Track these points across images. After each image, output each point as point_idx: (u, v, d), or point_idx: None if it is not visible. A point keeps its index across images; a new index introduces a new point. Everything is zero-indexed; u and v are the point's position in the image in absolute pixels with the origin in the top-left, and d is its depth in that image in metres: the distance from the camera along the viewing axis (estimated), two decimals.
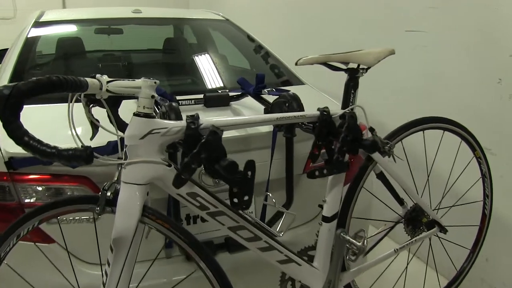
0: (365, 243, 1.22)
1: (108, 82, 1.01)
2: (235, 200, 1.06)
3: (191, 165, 0.96)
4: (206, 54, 2.47)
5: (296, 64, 1.25)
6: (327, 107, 1.24)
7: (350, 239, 1.25)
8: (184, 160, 1.03)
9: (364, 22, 2.95)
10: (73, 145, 0.93)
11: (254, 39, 2.55)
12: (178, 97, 1.69)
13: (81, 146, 0.87)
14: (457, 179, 1.75)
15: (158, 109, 1.37)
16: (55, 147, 0.85)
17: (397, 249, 1.49)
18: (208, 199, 1.12)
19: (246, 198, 1.04)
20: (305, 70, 2.43)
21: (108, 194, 1.06)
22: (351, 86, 1.27)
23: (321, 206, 1.36)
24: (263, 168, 1.60)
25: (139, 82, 1.02)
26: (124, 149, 1.03)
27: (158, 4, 2.86)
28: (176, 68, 2.37)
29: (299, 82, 2.23)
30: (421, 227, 1.57)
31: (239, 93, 1.81)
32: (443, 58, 2.40)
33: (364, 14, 2.94)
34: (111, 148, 1.31)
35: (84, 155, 0.85)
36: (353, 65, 1.28)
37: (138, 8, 2.56)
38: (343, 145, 1.13)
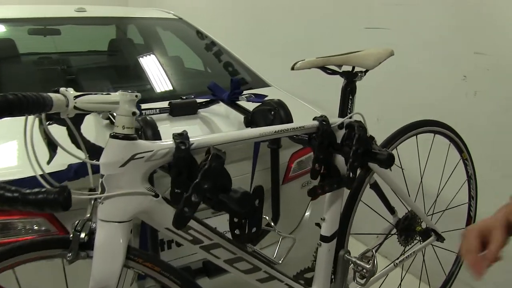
0: (375, 264, 1.10)
1: (76, 97, 0.81)
2: (237, 231, 0.90)
3: (192, 199, 0.79)
4: (162, 57, 2.26)
5: (292, 68, 1.10)
6: (325, 116, 1.10)
7: (357, 261, 1.13)
8: (175, 190, 0.86)
9: (321, 19, 2.86)
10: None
11: (213, 40, 2.38)
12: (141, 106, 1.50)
13: (56, 187, 0.67)
14: (446, 182, 1.69)
15: None
16: (17, 190, 0.65)
17: (396, 263, 1.39)
18: (202, 231, 0.94)
19: (253, 230, 0.88)
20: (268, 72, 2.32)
21: (82, 235, 0.86)
22: (349, 92, 1.14)
23: (318, 225, 1.23)
24: (244, 181, 1.45)
25: (116, 96, 0.83)
26: (100, 180, 0.84)
27: (96, 2, 2.59)
28: (130, 73, 2.14)
29: (264, 84, 2.09)
30: (415, 237, 1.48)
31: (208, 100, 1.64)
32: (407, 56, 2.35)
33: (321, 11, 2.85)
34: (72, 173, 1.10)
35: (61, 198, 0.65)
36: (348, 68, 1.16)
37: (82, 6, 2.29)
38: (355, 160, 0.99)
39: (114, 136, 0.83)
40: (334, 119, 1.12)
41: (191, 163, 0.88)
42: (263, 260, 1.07)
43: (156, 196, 0.88)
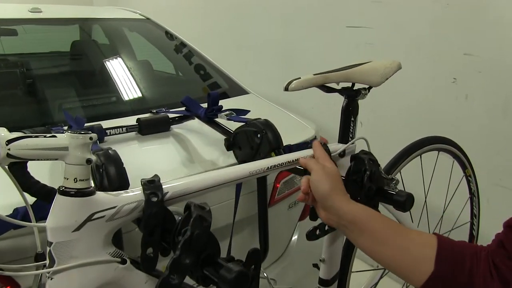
0: None
1: (8, 142, 0.61)
2: None
3: (171, 283, 0.60)
4: (129, 61, 2.04)
5: (286, 89, 0.92)
6: (325, 144, 0.93)
7: None
8: (147, 253, 0.67)
9: (299, 17, 2.68)
10: None
11: (183, 41, 2.17)
12: (103, 124, 1.30)
13: None
14: (449, 202, 1.55)
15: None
16: None
17: None
18: None
19: None
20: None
21: None
22: (350, 112, 0.97)
23: (316, 266, 1.06)
24: (226, 209, 1.27)
25: (63, 139, 0.63)
26: (48, 249, 0.64)
27: (60, 1, 2.33)
28: (95, 79, 1.92)
29: (243, 91, 1.91)
30: None
31: (181, 115, 1.44)
32: (392, 56, 2.21)
33: (300, 9, 2.68)
34: (19, 219, 0.89)
35: None
36: (347, 83, 0.99)
37: (37, 6, 2.05)
38: (367, 203, 0.83)
39: (64, 192, 0.63)
40: (335, 146, 0.95)
41: (166, 217, 0.69)
42: None
43: (123, 262, 0.69)
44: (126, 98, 1.72)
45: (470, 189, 1.53)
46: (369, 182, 0.82)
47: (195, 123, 1.46)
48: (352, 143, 0.95)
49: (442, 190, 1.55)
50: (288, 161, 0.85)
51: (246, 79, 2.00)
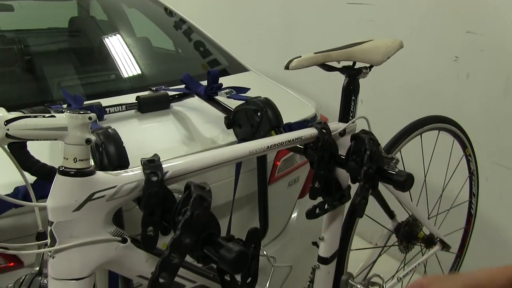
0: None
1: (7, 122, 0.61)
2: (227, 277, 0.73)
3: (171, 261, 0.61)
4: (128, 38, 2.01)
5: (287, 68, 0.91)
6: (325, 123, 0.92)
7: None
8: (147, 233, 0.68)
9: None
10: None
11: (182, 18, 2.14)
12: (103, 102, 1.29)
13: None
14: (448, 181, 1.55)
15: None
16: None
17: (400, 278, 1.25)
18: (184, 274, 0.77)
19: (249, 281, 0.70)
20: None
21: None
22: (351, 91, 0.97)
23: (315, 244, 1.07)
24: (225, 187, 1.27)
25: (62, 119, 0.63)
26: (49, 228, 0.65)
27: None
28: (93, 57, 1.89)
29: (242, 69, 1.89)
30: (417, 243, 1.34)
31: (181, 93, 1.43)
32: (393, 34, 2.19)
33: None
34: (20, 198, 0.89)
35: None
36: (348, 62, 0.98)
37: None
38: (367, 182, 0.83)
39: (64, 172, 0.63)
40: (335, 125, 0.95)
41: (166, 197, 0.70)
42: None
43: (124, 241, 0.70)
44: (125, 75, 1.71)
45: (469, 168, 1.53)
46: (369, 161, 0.82)
47: (195, 101, 1.45)
48: (353, 122, 0.95)
49: (442, 170, 1.55)
50: (289, 140, 0.85)
51: (246, 56, 1.98)
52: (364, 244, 1.40)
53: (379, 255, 1.28)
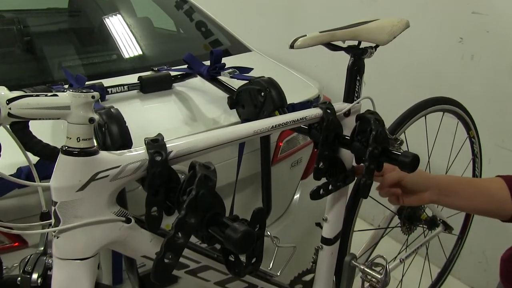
0: (387, 273, 0.95)
1: (9, 101, 0.60)
2: (232, 257, 0.73)
3: (175, 241, 0.60)
4: (129, 18, 1.99)
5: (292, 47, 0.90)
6: (329, 103, 0.91)
7: (367, 269, 0.98)
8: (152, 213, 0.67)
9: None
10: None
11: None
12: (104, 82, 1.28)
13: None
14: (452, 163, 1.54)
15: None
16: None
17: (402, 259, 1.25)
18: (187, 255, 0.77)
19: (254, 261, 0.70)
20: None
21: (34, 277, 0.67)
22: (356, 71, 0.95)
23: (319, 225, 1.07)
24: (228, 168, 1.27)
25: (65, 98, 0.62)
26: (53, 208, 0.64)
27: None
28: (94, 38, 1.87)
29: (244, 48, 1.87)
30: (420, 225, 1.34)
31: (183, 72, 1.42)
32: (397, 14, 2.15)
33: None
34: (23, 179, 0.89)
35: None
36: (353, 42, 0.96)
37: None
38: (372, 163, 0.82)
39: (67, 151, 0.63)
40: (340, 105, 0.93)
41: (170, 177, 0.69)
42: (259, 275, 0.91)
43: (128, 221, 0.69)
44: (126, 55, 1.69)
45: (473, 150, 1.52)
46: (375, 142, 0.81)
47: (198, 81, 1.44)
48: (358, 103, 0.93)
49: (446, 151, 1.54)
50: (293, 120, 0.84)
51: (250, 37, 1.96)
52: (366, 226, 1.40)
53: (382, 236, 1.28)
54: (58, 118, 0.63)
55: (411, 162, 0.78)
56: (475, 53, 1.94)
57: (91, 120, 0.63)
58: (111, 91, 1.30)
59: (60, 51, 1.70)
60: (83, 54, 1.69)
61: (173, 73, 1.42)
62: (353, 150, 0.87)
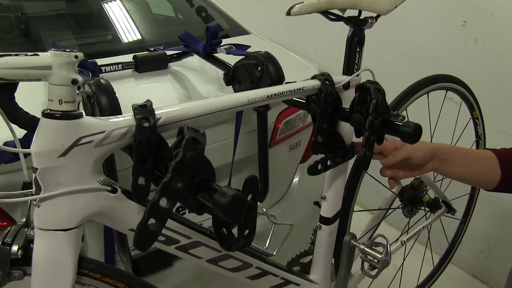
0: (388, 253, 0.92)
1: None
2: (224, 231, 0.69)
3: (160, 206, 0.57)
4: (126, 2, 1.94)
5: (288, 13, 0.86)
6: (328, 74, 0.87)
7: (367, 249, 0.94)
8: (138, 182, 0.64)
9: None
10: None
11: None
12: (98, 62, 1.24)
13: None
14: (455, 144, 1.50)
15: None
16: None
17: (404, 241, 1.22)
18: (178, 229, 0.74)
19: (246, 233, 0.67)
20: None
21: (14, 249, 0.64)
22: (356, 43, 0.91)
23: (317, 204, 1.04)
24: (224, 148, 1.23)
25: (46, 57, 0.58)
26: (34, 175, 0.61)
27: None
28: (86, 19, 1.83)
29: (243, 31, 1.83)
30: (422, 208, 1.30)
31: (180, 52, 1.38)
32: None
33: None
34: (10, 155, 0.85)
35: None
36: (353, 12, 0.92)
37: None
38: (372, 133, 0.78)
39: (48, 114, 0.59)
40: (339, 78, 0.90)
41: (159, 144, 0.65)
42: (254, 254, 0.88)
43: (114, 191, 0.66)
44: (122, 38, 1.65)
45: (476, 132, 1.48)
46: (375, 112, 0.77)
47: (194, 60, 1.40)
48: (357, 75, 0.89)
49: (448, 133, 1.50)
50: (290, 90, 0.80)
51: (250, 24, 1.92)
52: (366, 213, 1.36)
53: (383, 217, 1.25)
54: (39, 79, 0.59)
55: (413, 132, 0.74)
56: (478, 36, 1.90)
57: (74, 82, 0.60)
58: (105, 69, 1.26)
59: (55, 31, 1.66)
60: (78, 35, 1.66)
61: (169, 53, 1.38)
62: (353, 123, 0.83)
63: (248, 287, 0.93)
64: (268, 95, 0.78)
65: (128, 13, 1.81)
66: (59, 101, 0.59)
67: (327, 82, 0.85)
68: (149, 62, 1.35)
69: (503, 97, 1.81)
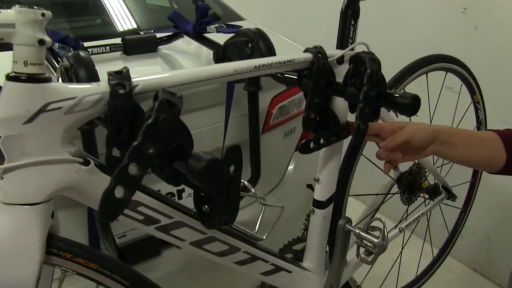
0: (385, 237, 0.87)
1: None
2: (206, 208, 0.64)
3: (129, 173, 0.51)
4: None
5: None
6: (320, 47, 0.82)
7: (363, 233, 0.89)
8: (112, 154, 0.59)
9: None
10: None
11: None
12: (85, 44, 1.19)
13: None
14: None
15: (57, 62, 0.89)
16: None
17: (402, 228, 1.17)
18: (157, 207, 0.68)
19: (229, 209, 0.62)
20: None
21: None
22: (350, 15, 0.86)
23: (310, 187, 0.99)
24: (215, 132, 1.18)
25: (9, 15, 0.53)
26: None
27: None
28: (76, 4, 1.78)
29: (237, 17, 1.78)
30: (421, 194, 1.25)
31: (170, 34, 1.33)
32: None
33: None
34: None
35: None
36: None
37: None
38: (367, 105, 0.73)
39: (13, 77, 0.54)
40: (332, 51, 0.85)
41: (135, 113, 0.60)
42: (242, 237, 0.83)
43: (86, 163, 0.61)
44: (113, 22, 1.60)
45: (477, 117, 1.43)
46: (370, 82, 0.72)
47: (185, 43, 1.35)
48: (351, 49, 0.84)
49: (448, 117, 1.45)
50: (279, 62, 0.75)
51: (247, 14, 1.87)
52: (361, 205, 1.31)
53: (382, 203, 1.20)
54: (2, 39, 0.54)
55: (411, 104, 0.69)
56: (479, 24, 1.85)
57: (41, 42, 0.55)
58: (92, 51, 1.21)
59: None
60: (66, 18, 1.61)
61: (159, 36, 1.34)
62: (346, 97, 0.78)
63: (244, 276, 0.88)
64: (256, 66, 0.73)
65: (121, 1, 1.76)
66: (24, 63, 0.54)
67: (320, 55, 0.80)
68: (138, 45, 1.30)
69: (504, 86, 1.76)
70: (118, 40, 1.29)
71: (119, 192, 0.51)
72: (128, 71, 0.62)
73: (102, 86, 0.60)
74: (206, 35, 1.23)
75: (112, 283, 0.63)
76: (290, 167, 1.52)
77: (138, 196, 0.66)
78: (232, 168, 0.58)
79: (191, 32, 1.23)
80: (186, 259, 1.26)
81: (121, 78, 0.60)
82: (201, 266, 1.28)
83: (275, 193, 1.47)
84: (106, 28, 1.57)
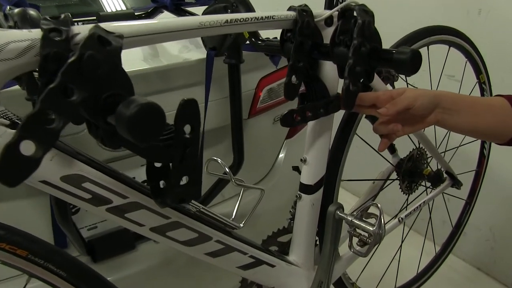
0: (381, 225, 0.76)
1: None
2: (162, 183, 0.53)
3: (40, 124, 0.40)
4: None
5: None
6: (306, 5, 0.72)
7: (357, 221, 0.78)
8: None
9: None
10: None
11: None
12: None
13: None
14: None
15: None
16: None
17: (401, 218, 1.06)
18: (107, 184, 0.57)
19: (183, 182, 0.51)
20: None
21: None
22: None
23: (296, 169, 0.88)
24: None
25: None
26: None
27: None
28: None
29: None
30: (422, 182, 1.15)
31: (150, 9, 1.23)
32: None
33: None
34: None
35: None
36: None
37: None
38: (357, 62, 0.62)
39: None
40: (320, 11, 0.74)
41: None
42: (215, 224, 0.72)
43: (14, 126, 0.50)
44: (90, 1, 1.50)
45: None
46: (361, 36, 0.61)
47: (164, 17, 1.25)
48: (342, 8, 0.74)
49: None
50: (256, 18, 0.64)
51: None
52: (355, 199, 1.20)
53: (380, 189, 1.09)
54: None
55: (410, 60, 0.58)
56: (482, 7, 1.75)
57: None
58: None
59: None
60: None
61: (137, 13, 1.23)
62: (335, 59, 0.67)
63: (228, 274, 0.77)
64: (226, 20, 0.62)
65: None
66: None
67: (305, 13, 0.69)
68: (113, 20, 1.19)
69: (509, 72, 1.66)
70: (93, 17, 1.19)
71: (28, 149, 0.40)
72: (69, 16, 0.51)
73: (33, 32, 0.49)
74: (187, 8, 1.12)
75: (46, 274, 0.52)
76: (281, 155, 1.41)
77: (83, 169, 0.55)
78: (188, 129, 0.47)
79: (169, 5, 1.13)
80: (164, 254, 1.15)
81: (56, 23, 0.49)
82: (181, 262, 1.17)
83: (265, 183, 1.37)
84: (84, 7, 1.48)
